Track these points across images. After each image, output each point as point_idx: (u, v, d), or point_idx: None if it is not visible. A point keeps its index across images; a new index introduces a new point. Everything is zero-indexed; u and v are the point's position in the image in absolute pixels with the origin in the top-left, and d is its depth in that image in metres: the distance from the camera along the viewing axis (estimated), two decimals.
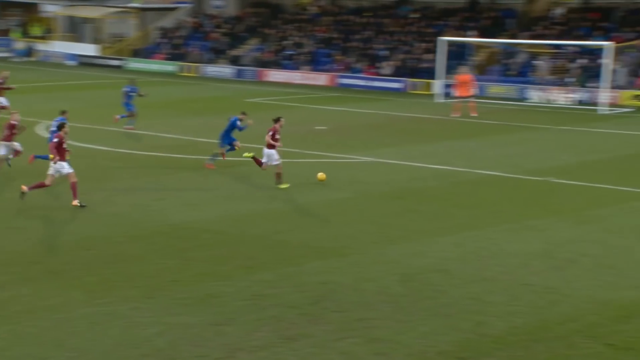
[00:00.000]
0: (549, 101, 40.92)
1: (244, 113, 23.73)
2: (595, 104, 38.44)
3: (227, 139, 23.54)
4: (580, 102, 40.29)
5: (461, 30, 48.87)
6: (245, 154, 22.41)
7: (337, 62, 51.05)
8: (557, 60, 44.10)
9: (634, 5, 45.58)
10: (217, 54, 55.84)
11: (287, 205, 19.80)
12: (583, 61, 43.06)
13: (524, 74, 44.80)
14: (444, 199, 20.56)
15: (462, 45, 46.09)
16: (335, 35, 53.85)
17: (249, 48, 56.46)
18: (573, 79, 42.34)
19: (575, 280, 14.41)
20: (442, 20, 50.98)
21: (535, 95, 41.87)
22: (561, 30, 45.90)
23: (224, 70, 54.01)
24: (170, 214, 18.53)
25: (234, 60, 55.08)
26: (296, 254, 15.86)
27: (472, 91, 36.25)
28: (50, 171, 19.05)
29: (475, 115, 34.44)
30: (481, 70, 46.06)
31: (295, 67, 52.09)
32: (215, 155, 23.69)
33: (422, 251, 16.17)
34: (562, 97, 40.29)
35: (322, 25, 55.50)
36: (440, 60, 42.71)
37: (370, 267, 15.16)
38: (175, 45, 57.85)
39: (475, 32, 46.99)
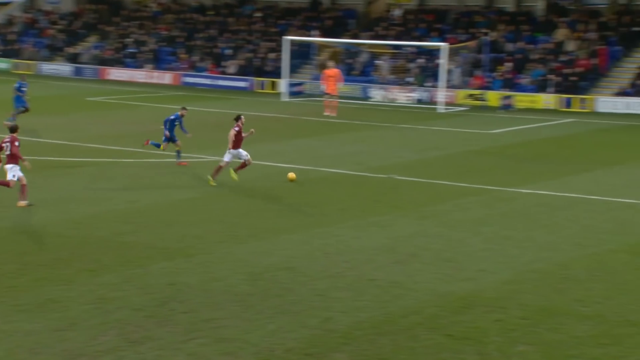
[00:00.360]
0: (390, 100, 42.03)
1: (184, 108, 24.43)
2: (433, 103, 39.81)
3: (172, 136, 24.03)
4: (420, 101, 41.64)
5: (304, 29, 49.42)
6: (233, 176, 21.70)
7: (181, 61, 50.44)
8: (397, 60, 45.38)
9: (466, 8, 47.57)
10: (53, 52, 53.94)
11: (131, 206, 19.38)
12: (421, 61, 44.50)
13: (366, 73, 45.82)
14: (290, 198, 20.68)
15: (306, 44, 46.61)
16: (178, 34, 53.18)
17: (88, 45, 54.88)
18: (412, 79, 43.68)
19: (417, 274, 14.84)
20: (285, 19, 51.37)
21: (377, 94, 42.92)
22: (400, 31, 47.26)
23: (61, 68, 52.27)
24: (6, 217, 17.73)
25: (72, 58, 53.38)
26: (141, 255, 15.54)
27: (337, 89, 36.60)
28: None
29: (333, 114, 34.68)
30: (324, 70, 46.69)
31: (137, 66, 51.09)
32: (179, 152, 24.13)
33: (270, 249, 16.21)
34: (402, 96, 41.50)
35: (165, 23, 54.68)
36: (285, 59, 43.02)
37: (218, 267, 15.06)
38: (9, 41, 55.44)
39: (318, 32, 47.66)
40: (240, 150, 21.82)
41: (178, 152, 24.40)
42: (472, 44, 43.37)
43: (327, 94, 36.05)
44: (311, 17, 50.96)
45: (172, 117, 24.25)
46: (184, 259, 15.43)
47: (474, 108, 38.63)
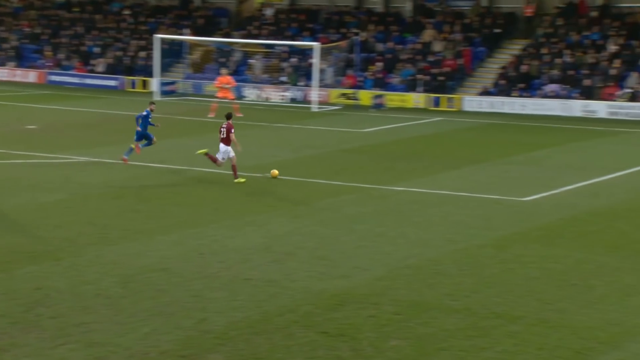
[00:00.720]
0: (264, 99, 42.05)
1: (153, 103, 25.21)
2: (307, 102, 40.10)
3: (144, 132, 24.02)
4: (294, 100, 41.86)
5: (175, 28, 48.81)
6: (199, 151, 22.56)
7: (46, 59, 48.85)
8: (270, 59, 45.45)
9: (337, 8, 48.18)
10: None
11: None
12: (294, 61, 44.75)
13: (239, 72, 45.67)
14: (163, 198, 20.41)
15: (178, 43, 46.06)
16: (42, 31, 51.50)
17: None
18: (286, 78, 43.85)
19: (293, 272, 14.91)
20: (155, 17, 50.57)
21: (251, 93, 42.85)
22: (272, 30, 47.37)
23: None
24: None
25: None
26: (5, 260, 14.97)
27: (233, 93, 36.20)
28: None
29: (241, 115, 34.28)
30: (197, 69, 46.33)
31: None
32: (131, 150, 24.13)
33: (142, 251, 15.93)
34: (276, 95, 41.60)
35: (27, 19, 52.84)
36: (156, 58, 42.37)
37: (88, 270, 14.68)
38: None
39: (189, 31, 47.13)
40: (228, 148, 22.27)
41: (131, 149, 24.13)
42: (343, 43, 43.93)
43: (218, 97, 35.58)
44: (182, 16, 50.38)
45: (144, 113, 24.03)
46: (52, 262, 14.97)
47: (347, 107, 39.15)
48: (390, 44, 44.43)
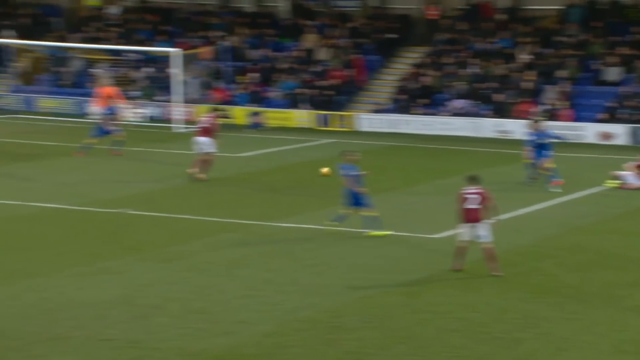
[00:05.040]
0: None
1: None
2: (168, 121, 39.83)
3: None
4: (152, 119, 41.48)
5: None
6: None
7: None
8: (119, 68, 44.96)
9: (197, 7, 48.05)
10: None
11: None
12: (149, 70, 44.44)
13: (80, 84, 45.01)
14: None
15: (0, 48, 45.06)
16: None
17: None
18: (139, 92, 43.48)
19: (162, 330, 14.80)
20: None
21: (95, 110, 42.24)
22: (119, 32, 46.89)
23: None
24: None
25: None
26: None
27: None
28: None
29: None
30: (28, 80, 45.41)
31: None
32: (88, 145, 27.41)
33: None
34: (129, 112, 41.11)
35: None
36: None
37: None
38: None
39: (13, 33, 46.07)
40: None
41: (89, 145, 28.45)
42: (208, 50, 43.95)
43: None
44: (3, 14, 49.27)
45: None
46: None
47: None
48: (265, 51, 44.72)
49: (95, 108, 35.81)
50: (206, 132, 27.83)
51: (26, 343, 14.08)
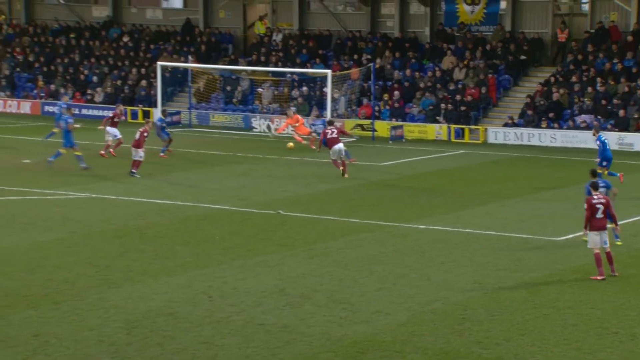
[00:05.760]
0: (274, 130, 42.15)
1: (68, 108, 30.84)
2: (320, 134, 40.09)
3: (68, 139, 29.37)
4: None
5: (178, 55, 49.18)
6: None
7: (40, 88, 49.24)
8: (280, 88, 45.70)
9: (349, 33, 48.41)
10: None
11: None
12: (305, 89, 44.97)
13: (247, 102, 45.93)
14: (168, 237, 20.48)
15: (181, 71, 46.40)
16: (36, 59, 51.96)
17: None
18: (296, 108, 43.95)
19: (310, 317, 14.91)
20: (156, 44, 50.97)
21: (260, 124, 43.02)
22: (281, 57, 47.68)
23: None
24: None
25: None
26: (1, 304, 15.00)
27: (307, 128, 36.52)
28: None
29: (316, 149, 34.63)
30: (203, 98, 46.61)
31: None
32: (58, 154, 29.16)
33: (147, 294, 15.96)
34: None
35: (20, 46, 53.34)
36: (159, 86, 42.67)
37: (90, 314, 14.71)
38: None
39: (193, 58, 47.45)
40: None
41: (59, 153, 29.59)
42: (357, 71, 44.17)
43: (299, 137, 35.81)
44: (185, 42, 50.79)
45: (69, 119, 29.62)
46: (51, 306, 15.02)
47: (363, 139, 39.22)
48: (408, 72, 44.65)
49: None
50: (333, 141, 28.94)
51: (194, 325, 14.38)
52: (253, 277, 17.23)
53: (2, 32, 55.41)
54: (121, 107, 35.78)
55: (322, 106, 41.42)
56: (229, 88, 46.78)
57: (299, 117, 37.31)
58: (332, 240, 20.43)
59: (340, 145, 28.96)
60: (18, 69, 51.59)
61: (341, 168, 28.81)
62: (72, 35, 53.21)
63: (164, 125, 33.75)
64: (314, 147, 34.44)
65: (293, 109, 39.03)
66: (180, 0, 54.15)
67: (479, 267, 18.31)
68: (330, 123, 30.63)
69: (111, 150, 33.39)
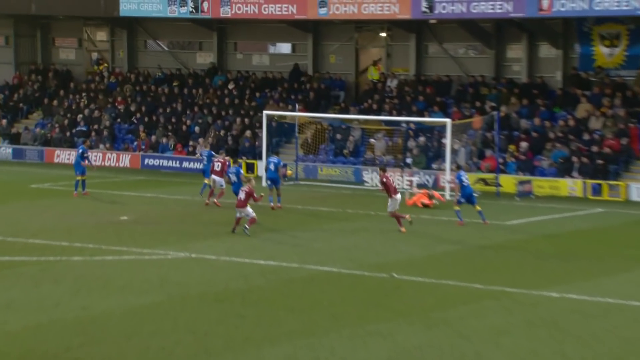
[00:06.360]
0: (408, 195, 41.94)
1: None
2: (439, 188, 39.88)
3: (79, 167, 34.21)
4: (422, 187, 41.63)
5: (285, 103, 49.87)
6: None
7: (140, 140, 50.64)
8: (395, 138, 45.69)
9: (471, 78, 48.13)
10: None
11: (82, 314, 19.11)
12: (422, 140, 44.82)
13: (358, 153, 46.04)
14: (272, 301, 20.51)
15: (287, 120, 46.95)
16: (137, 108, 53.54)
17: (30, 123, 55.11)
18: (412, 160, 43.88)
19: None
20: (262, 91, 51.83)
21: (372, 178, 43.01)
22: (395, 104, 47.74)
23: None
24: None
25: (11, 138, 53.59)
26: None
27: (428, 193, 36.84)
28: None
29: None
30: (310, 149, 46.99)
31: (89, 146, 51.23)
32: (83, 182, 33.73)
33: None
34: (402, 180, 41.57)
35: (122, 95, 55.08)
36: (265, 137, 43.28)
37: None
38: None
39: (300, 106, 47.99)
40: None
41: (82, 182, 35.55)
42: (480, 120, 43.83)
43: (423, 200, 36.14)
44: (293, 89, 51.50)
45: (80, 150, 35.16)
46: None
47: (486, 195, 38.70)
48: (537, 120, 44.04)
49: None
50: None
51: None
52: (364, 347, 17.04)
53: (103, 81, 57.38)
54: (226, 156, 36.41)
55: (440, 158, 41.07)
56: (339, 137, 47.06)
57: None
58: (452, 307, 20.09)
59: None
60: (119, 120, 53.22)
61: (407, 216, 29.87)
62: (175, 84, 54.64)
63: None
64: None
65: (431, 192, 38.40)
66: (289, 45, 55.05)
67: (622, 342, 17.67)
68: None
69: (215, 200, 34.12)
